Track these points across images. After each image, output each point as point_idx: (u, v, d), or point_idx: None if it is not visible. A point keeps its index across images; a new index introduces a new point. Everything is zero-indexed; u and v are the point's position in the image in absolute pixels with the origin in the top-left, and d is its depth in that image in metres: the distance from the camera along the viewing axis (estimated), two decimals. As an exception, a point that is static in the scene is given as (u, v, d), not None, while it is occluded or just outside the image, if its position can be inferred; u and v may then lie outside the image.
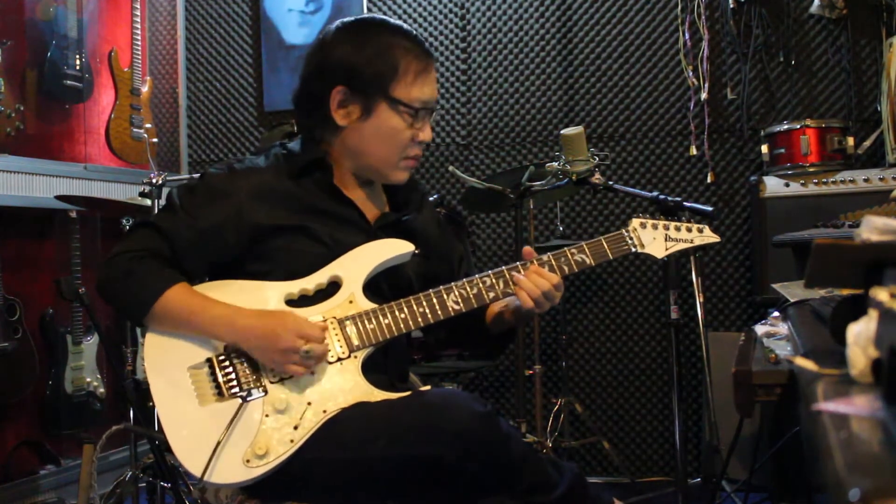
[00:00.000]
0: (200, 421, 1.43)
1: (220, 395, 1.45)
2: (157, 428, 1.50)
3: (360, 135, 1.58)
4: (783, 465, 2.29)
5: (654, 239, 1.62)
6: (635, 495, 3.09)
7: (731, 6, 3.29)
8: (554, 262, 1.57)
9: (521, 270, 1.55)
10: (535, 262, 1.55)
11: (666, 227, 1.64)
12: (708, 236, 1.66)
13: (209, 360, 1.48)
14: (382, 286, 1.59)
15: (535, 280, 1.52)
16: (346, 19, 1.65)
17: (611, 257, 1.59)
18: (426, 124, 1.60)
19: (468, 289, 1.53)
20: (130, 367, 2.83)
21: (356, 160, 1.62)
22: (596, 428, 3.43)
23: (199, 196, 1.56)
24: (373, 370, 1.49)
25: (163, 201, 2.81)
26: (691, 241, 1.65)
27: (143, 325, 1.53)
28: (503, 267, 1.56)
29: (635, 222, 1.63)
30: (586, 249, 1.58)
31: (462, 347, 2.83)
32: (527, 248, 1.59)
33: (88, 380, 3.20)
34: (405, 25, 1.63)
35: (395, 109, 1.56)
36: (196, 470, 1.40)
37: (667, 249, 1.63)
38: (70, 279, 2.90)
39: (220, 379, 1.46)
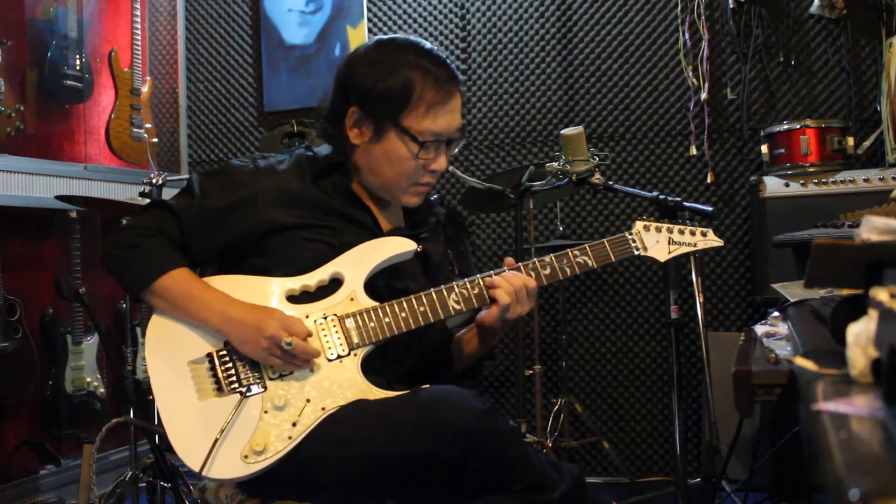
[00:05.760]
0: (199, 415, 1.44)
1: (219, 390, 1.46)
2: (156, 423, 1.51)
3: (370, 156, 1.59)
4: (783, 465, 2.29)
5: (658, 242, 1.62)
6: (635, 495, 3.09)
7: (731, 6, 3.29)
8: (556, 264, 1.57)
9: (523, 270, 1.56)
10: (521, 266, 1.57)
11: (669, 231, 1.63)
12: (711, 240, 1.65)
13: (209, 355, 1.49)
14: (383, 288, 1.60)
15: (508, 278, 1.53)
16: (381, 37, 1.63)
17: (613, 260, 1.59)
18: (440, 154, 1.58)
19: (469, 288, 1.53)
20: (130, 367, 2.83)
21: (369, 178, 1.62)
22: (596, 428, 3.43)
23: (217, 181, 1.59)
24: (371, 371, 1.49)
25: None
26: (695, 245, 1.64)
27: (139, 299, 1.56)
28: (504, 267, 1.57)
29: (639, 225, 1.62)
30: (589, 251, 1.58)
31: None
32: (509, 259, 1.59)
33: (88, 380, 3.20)
34: (436, 50, 1.59)
35: (402, 139, 1.55)
36: (194, 464, 1.40)
37: (669, 253, 1.62)
38: (70, 279, 2.90)
39: (220, 374, 1.47)
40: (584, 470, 3.48)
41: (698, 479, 3.07)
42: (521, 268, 1.57)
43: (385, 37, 1.64)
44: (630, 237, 1.61)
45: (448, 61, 1.59)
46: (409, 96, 1.52)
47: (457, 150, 1.66)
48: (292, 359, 1.44)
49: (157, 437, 2.45)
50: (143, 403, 2.77)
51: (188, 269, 1.54)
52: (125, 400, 2.81)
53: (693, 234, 1.65)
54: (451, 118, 1.57)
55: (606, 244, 1.60)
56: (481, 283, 1.54)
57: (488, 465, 1.32)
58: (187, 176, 3.69)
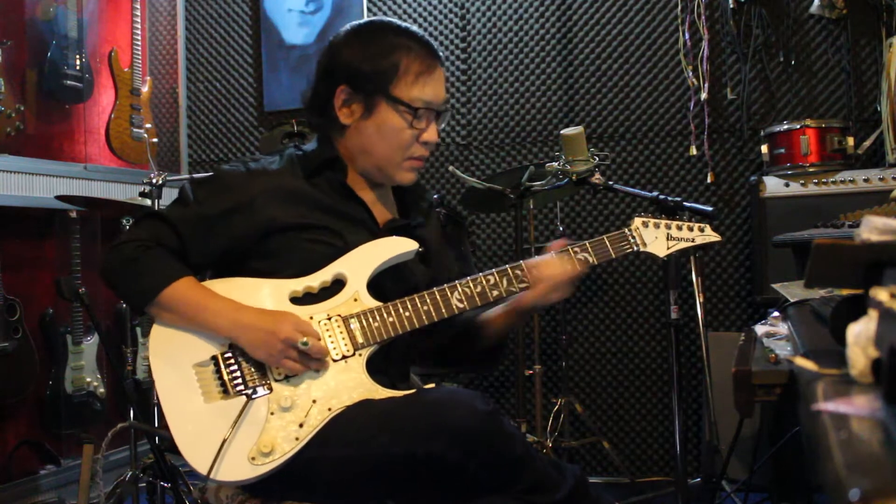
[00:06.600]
0: (206, 419, 1.44)
1: (225, 392, 1.46)
2: (160, 426, 1.50)
3: (362, 133, 1.60)
4: (783, 465, 2.29)
5: (657, 238, 1.64)
6: (635, 495, 3.09)
7: (731, 6, 3.29)
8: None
9: (525, 268, 1.56)
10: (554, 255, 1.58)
11: (668, 227, 1.65)
12: (709, 235, 1.67)
13: (214, 358, 1.48)
14: (386, 288, 1.60)
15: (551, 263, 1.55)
16: (356, 22, 1.66)
17: (613, 256, 1.61)
18: (431, 125, 1.60)
19: (472, 287, 1.54)
20: (130, 367, 2.83)
21: (362, 160, 1.63)
22: (596, 428, 3.43)
23: (210, 188, 1.58)
24: (374, 370, 1.50)
25: (163, 201, 2.82)
26: (693, 241, 1.66)
27: (144, 313, 1.54)
28: (507, 265, 1.57)
29: (637, 221, 1.64)
30: (589, 248, 1.59)
31: (452, 368, 2.83)
32: (558, 242, 1.61)
33: (88, 380, 3.20)
34: (413, 28, 1.64)
35: (395, 109, 1.57)
36: (201, 467, 1.40)
37: (668, 248, 1.64)
38: (70, 279, 2.90)
39: (226, 377, 1.47)
40: (584, 470, 3.48)
41: (698, 479, 3.06)
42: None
43: (362, 21, 1.67)
44: (629, 233, 1.63)
45: (426, 37, 1.62)
46: (397, 69, 1.56)
47: (443, 124, 1.68)
48: (307, 360, 1.44)
49: (157, 437, 2.45)
50: (142, 403, 2.77)
51: (192, 277, 1.53)
52: (125, 400, 2.81)
53: (691, 229, 1.67)
54: (438, 87, 1.60)
55: (606, 240, 1.61)
56: (484, 282, 1.54)
57: (491, 466, 1.32)
58: (187, 176, 3.69)
